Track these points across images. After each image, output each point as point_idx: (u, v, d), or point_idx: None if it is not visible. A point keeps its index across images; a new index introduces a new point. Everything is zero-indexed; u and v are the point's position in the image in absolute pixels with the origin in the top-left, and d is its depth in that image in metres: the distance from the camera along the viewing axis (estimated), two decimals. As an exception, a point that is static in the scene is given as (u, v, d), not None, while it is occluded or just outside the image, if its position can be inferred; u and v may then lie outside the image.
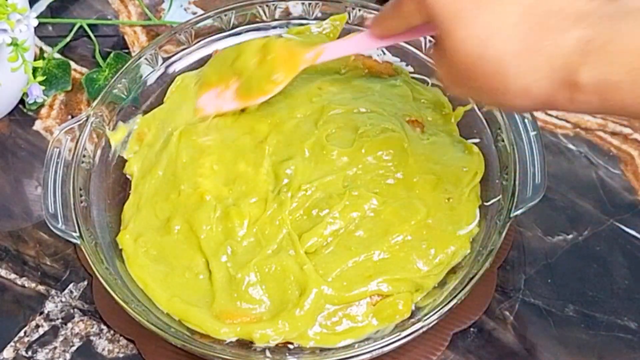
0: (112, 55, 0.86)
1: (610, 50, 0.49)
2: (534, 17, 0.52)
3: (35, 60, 0.79)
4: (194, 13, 0.92)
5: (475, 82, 0.54)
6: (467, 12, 0.53)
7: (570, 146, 0.80)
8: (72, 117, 0.84)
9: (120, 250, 0.70)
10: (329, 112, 0.75)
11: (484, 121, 0.74)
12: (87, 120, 0.74)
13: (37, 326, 0.72)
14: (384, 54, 0.80)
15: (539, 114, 0.81)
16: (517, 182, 0.68)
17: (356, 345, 0.64)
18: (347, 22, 0.80)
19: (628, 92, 0.49)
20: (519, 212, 0.66)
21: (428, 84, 0.78)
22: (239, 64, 0.74)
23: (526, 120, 0.71)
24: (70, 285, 0.74)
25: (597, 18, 0.50)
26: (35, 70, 0.77)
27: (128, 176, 0.75)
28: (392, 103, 0.76)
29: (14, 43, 0.72)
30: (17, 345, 0.71)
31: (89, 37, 0.89)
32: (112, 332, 0.71)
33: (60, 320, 0.72)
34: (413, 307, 0.67)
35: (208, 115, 0.76)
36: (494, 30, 0.52)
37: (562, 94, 0.51)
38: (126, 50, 0.89)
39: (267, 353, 0.65)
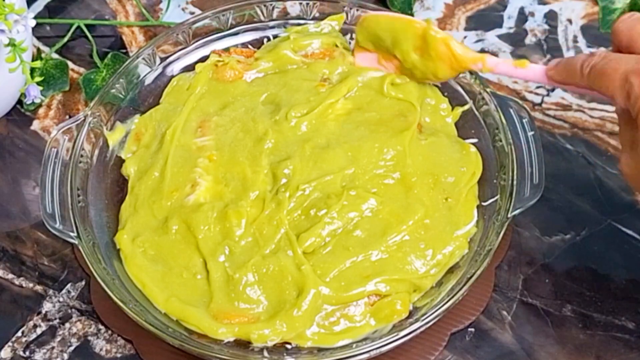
0: (109, 56, 0.86)
1: None
2: None
3: (33, 60, 0.79)
4: (192, 13, 0.92)
5: None
6: None
7: (568, 146, 0.80)
8: (70, 117, 0.83)
9: (118, 250, 0.70)
10: (329, 112, 0.75)
11: (482, 121, 0.74)
12: (84, 120, 0.74)
13: (35, 326, 0.72)
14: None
15: (536, 114, 0.82)
16: (515, 182, 0.68)
17: (354, 345, 0.64)
18: (344, 22, 0.80)
19: None
20: (516, 212, 0.66)
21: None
22: (398, 51, 0.73)
23: (524, 121, 0.71)
24: (68, 285, 0.74)
25: None
26: (33, 70, 0.76)
27: (126, 177, 0.75)
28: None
29: (12, 43, 0.72)
30: (15, 345, 0.71)
31: (86, 37, 0.89)
32: (109, 332, 0.71)
33: (57, 320, 0.72)
34: (411, 307, 0.67)
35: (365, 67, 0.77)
36: None
37: None
38: (124, 50, 0.89)
39: (265, 353, 0.65)
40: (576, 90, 0.67)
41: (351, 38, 0.81)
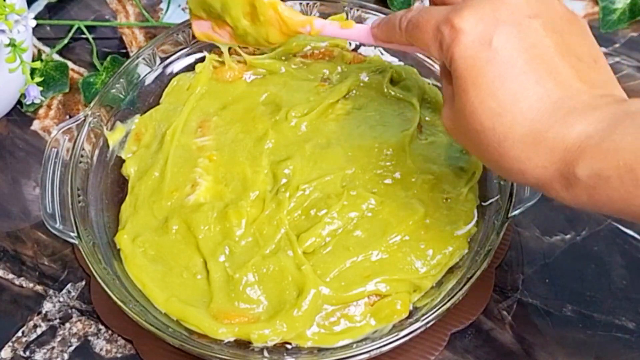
0: (108, 59, 0.86)
1: (604, 148, 0.50)
2: (548, 104, 0.53)
3: (33, 61, 0.79)
4: (192, 13, 0.92)
5: (476, 145, 0.56)
6: (489, 82, 0.54)
7: (568, 146, 0.80)
8: (70, 117, 0.84)
9: (118, 250, 0.70)
10: (329, 112, 0.75)
11: (482, 121, 0.74)
12: (84, 120, 0.74)
13: (35, 326, 0.72)
14: (382, 54, 0.80)
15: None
16: (515, 182, 0.68)
17: (354, 345, 0.64)
18: (345, 22, 0.80)
19: (616, 187, 0.50)
20: (517, 212, 0.66)
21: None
22: (228, 17, 0.72)
23: None
24: (68, 285, 0.74)
25: (602, 115, 0.52)
26: (33, 71, 0.77)
27: (126, 177, 0.75)
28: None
29: (12, 44, 0.72)
30: (15, 345, 0.71)
31: (87, 38, 0.89)
32: (110, 332, 0.71)
33: (58, 321, 0.72)
34: (411, 307, 0.67)
35: (207, 37, 0.76)
36: (509, 107, 0.53)
37: (558, 184, 0.53)
38: (124, 51, 0.89)
39: (265, 353, 0.65)
40: (400, 48, 0.66)
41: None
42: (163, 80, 0.80)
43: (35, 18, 0.75)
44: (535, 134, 0.53)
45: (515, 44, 0.54)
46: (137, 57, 0.78)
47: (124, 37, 0.90)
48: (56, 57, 0.88)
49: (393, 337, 0.63)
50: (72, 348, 0.71)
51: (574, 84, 0.54)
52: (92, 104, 0.75)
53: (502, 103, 0.53)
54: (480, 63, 0.54)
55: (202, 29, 0.75)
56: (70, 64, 0.87)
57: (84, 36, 0.89)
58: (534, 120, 0.53)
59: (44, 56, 0.87)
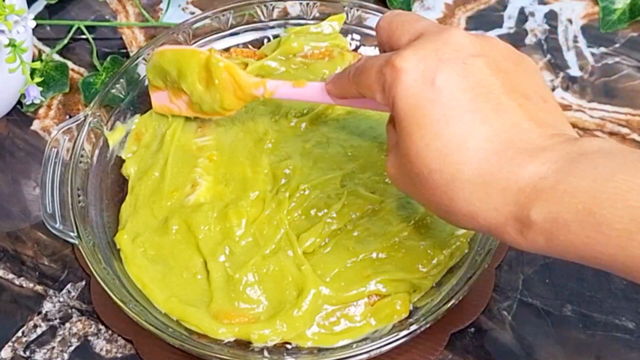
0: (108, 59, 0.86)
1: (561, 190, 0.48)
2: (496, 144, 0.51)
3: (33, 61, 0.79)
4: (192, 13, 0.92)
5: (424, 191, 0.53)
6: (434, 122, 0.52)
7: (568, 146, 0.80)
8: (70, 117, 0.83)
9: (118, 250, 0.70)
10: (329, 112, 0.75)
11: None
12: (84, 120, 0.74)
13: (35, 326, 0.72)
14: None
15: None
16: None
17: (354, 345, 0.64)
18: (345, 22, 0.80)
19: (575, 232, 0.48)
20: (516, 212, 0.66)
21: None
22: (184, 83, 0.72)
23: None
24: (68, 286, 0.74)
25: (555, 155, 0.49)
26: (33, 71, 0.77)
27: (126, 177, 0.75)
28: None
29: (12, 44, 0.72)
30: (15, 345, 0.71)
31: (86, 38, 0.89)
32: (110, 332, 0.71)
33: (58, 321, 0.72)
34: (411, 307, 0.67)
35: (165, 110, 0.76)
36: (455, 147, 0.51)
37: (512, 228, 0.50)
38: (124, 51, 0.89)
39: (265, 353, 0.65)
40: (353, 105, 0.65)
41: (352, 38, 0.81)
42: (163, 80, 0.80)
43: (35, 18, 0.75)
44: (485, 175, 0.50)
45: (459, 82, 0.52)
46: (137, 57, 0.78)
47: (123, 37, 0.90)
48: (56, 57, 0.88)
49: (393, 337, 0.63)
50: (72, 348, 0.71)
51: (523, 122, 0.51)
52: (92, 104, 0.75)
53: (448, 143, 0.51)
54: (423, 103, 0.52)
55: (160, 101, 0.76)
56: (70, 64, 0.87)
57: (83, 36, 0.89)
58: (483, 160, 0.50)
59: (44, 56, 0.87)
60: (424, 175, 0.52)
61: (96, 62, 0.87)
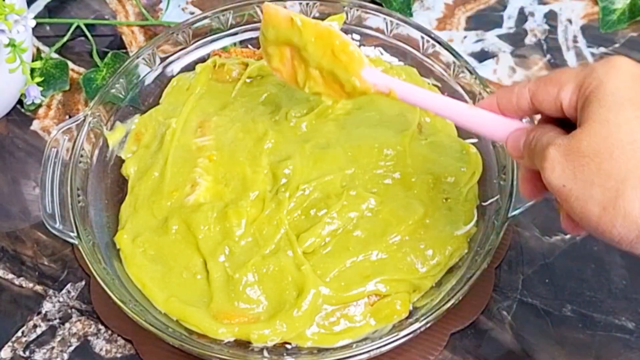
0: (109, 55, 0.86)
1: None
2: None
3: (33, 60, 0.79)
4: (192, 13, 0.92)
5: (596, 172, 0.51)
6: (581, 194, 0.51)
7: (568, 146, 0.80)
8: (70, 117, 0.83)
9: (118, 250, 0.70)
10: (329, 112, 0.75)
11: (482, 121, 0.74)
12: (84, 120, 0.74)
13: (35, 326, 0.72)
14: (382, 54, 0.80)
15: (536, 114, 0.82)
16: (515, 182, 0.68)
17: (354, 345, 0.64)
18: (345, 22, 0.80)
19: None
20: (516, 212, 0.66)
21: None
22: (307, 54, 0.67)
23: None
24: (68, 286, 0.74)
25: None
26: (33, 71, 0.76)
27: (126, 177, 0.75)
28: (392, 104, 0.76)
29: (12, 44, 0.72)
30: (15, 345, 0.71)
31: (86, 37, 0.89)
32: (109, 332, 0.71)
33: (57, 321, 0.72)
34: (411, 307, 0.67)
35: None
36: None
37: None
38: (124, 50, 0.89)
39: (265, 353, 0.65)
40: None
41: (352, 38, 0.80)
42: (163, 80, 0.80)
43: (35, 18, 0.75)
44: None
45: None
46: (137, 57, 0.78)
47: (123, 37, 0.90)
48: (55, 56, 0.88)
49: (393, 337, 0.63)
50: (71, 348, 0.71)
51: None
52: (91, 104, 0.75)
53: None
54: None
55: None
56: (70, 64, 0.87)
57: (83, 35, 0.89)
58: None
59: (43, 55, 0.87)
60: (622, 144, 0.50)
61: (96, 59, 0.86)
